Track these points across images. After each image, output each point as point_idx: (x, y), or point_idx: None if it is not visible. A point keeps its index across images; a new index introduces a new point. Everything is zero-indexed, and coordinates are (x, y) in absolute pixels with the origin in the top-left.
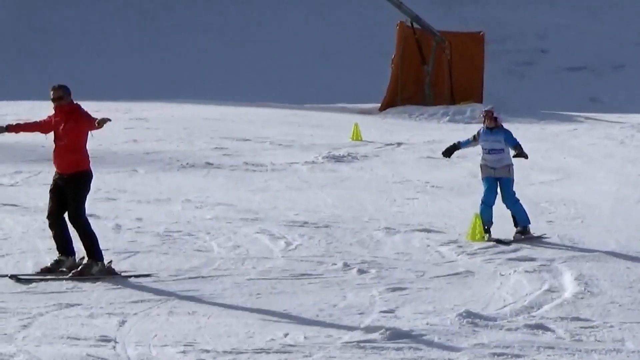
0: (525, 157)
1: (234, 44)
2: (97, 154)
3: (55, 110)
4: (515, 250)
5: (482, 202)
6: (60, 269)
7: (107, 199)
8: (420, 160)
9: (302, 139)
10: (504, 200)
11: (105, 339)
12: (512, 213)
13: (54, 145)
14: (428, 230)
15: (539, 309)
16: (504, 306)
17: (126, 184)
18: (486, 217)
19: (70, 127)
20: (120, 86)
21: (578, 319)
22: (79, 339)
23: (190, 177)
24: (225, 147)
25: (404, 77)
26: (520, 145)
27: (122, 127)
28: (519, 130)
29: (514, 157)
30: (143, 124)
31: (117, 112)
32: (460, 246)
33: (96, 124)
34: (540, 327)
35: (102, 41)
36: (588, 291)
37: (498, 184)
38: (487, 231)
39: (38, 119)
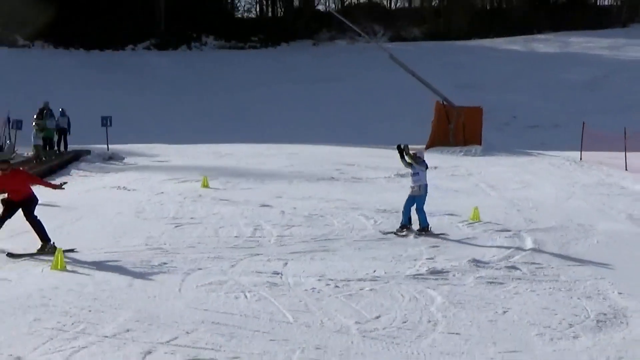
0: (402, 151)
1: (338, 109)
2: (272, 173)
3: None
4: (499, 226)
5: (405, 211)
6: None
7: (276, 196)
8: (447, 176)
9: (382, 164)
10: (415, 209)
11: (276, 273)
12: (418, 218)
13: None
14: (452, 214)
15: (512, 258)
16: (493, 256)
17: (286, 189)
18: (405, 217)
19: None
20: (285, 133)
21: (533, 263)
22: (261, 273)
23: (322, 185)
24: (340, 169)
25: (438, 131)
26: (412, 156)
27: (284, 158)
28: (501, 159)
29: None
30: (295, 156)
31: (281, 150)
32: (470, 223)
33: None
34: (513, 267)
35: (280, 101)
36: (539, 248)
37: (414, 200)
38: (405, 227)
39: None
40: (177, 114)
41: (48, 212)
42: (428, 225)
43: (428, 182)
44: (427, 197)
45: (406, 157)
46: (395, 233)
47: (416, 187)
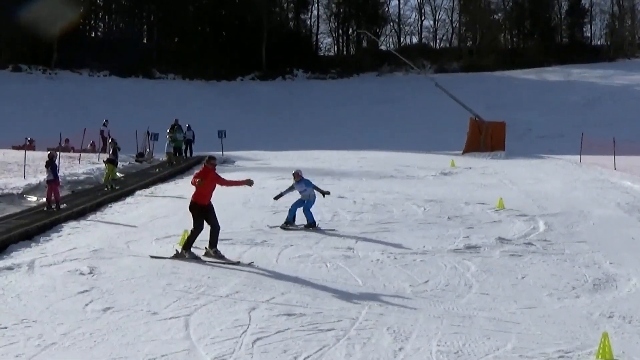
0: (326, 193)
1: (396, 124)
2: (346, 172)
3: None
4: (518, 212)
5: (291, 209)
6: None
7: (349, 190)
8: (478, 174)
9: (430, 165)
10: (303, 210)
11: (349, 248)
12: (305, 216)
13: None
14: (482, 203)
15: (529, 236)
16: (514, 235)
17: (357, 184)
18: (290, 215)
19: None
20: (356, 142)
21: (545, 240)
22: (338, 248)
23: (384, 181)
24: (397, 169)
25: (472, 140)
26: (316, 187)
27: (356, 161)
28: (520, 161)
29: (321, 192)
30: (364, 159)
31: (353, 155)
32: (496, 210)
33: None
34: (530, 244)
35: (347, 120)
36: (549, 229)
37: (304, 203)
38: (289, 222)
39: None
40: (275, 128)
41: (177, 203)
42: (315, 222)
43: (461, 179)
44: (463, 190)
45: (283, 192)
46: (281, 227)
47: (306, 195)
